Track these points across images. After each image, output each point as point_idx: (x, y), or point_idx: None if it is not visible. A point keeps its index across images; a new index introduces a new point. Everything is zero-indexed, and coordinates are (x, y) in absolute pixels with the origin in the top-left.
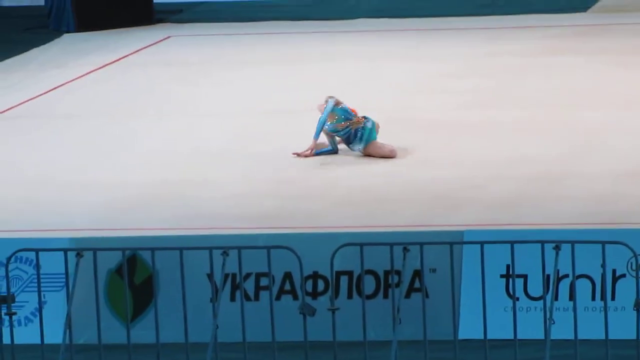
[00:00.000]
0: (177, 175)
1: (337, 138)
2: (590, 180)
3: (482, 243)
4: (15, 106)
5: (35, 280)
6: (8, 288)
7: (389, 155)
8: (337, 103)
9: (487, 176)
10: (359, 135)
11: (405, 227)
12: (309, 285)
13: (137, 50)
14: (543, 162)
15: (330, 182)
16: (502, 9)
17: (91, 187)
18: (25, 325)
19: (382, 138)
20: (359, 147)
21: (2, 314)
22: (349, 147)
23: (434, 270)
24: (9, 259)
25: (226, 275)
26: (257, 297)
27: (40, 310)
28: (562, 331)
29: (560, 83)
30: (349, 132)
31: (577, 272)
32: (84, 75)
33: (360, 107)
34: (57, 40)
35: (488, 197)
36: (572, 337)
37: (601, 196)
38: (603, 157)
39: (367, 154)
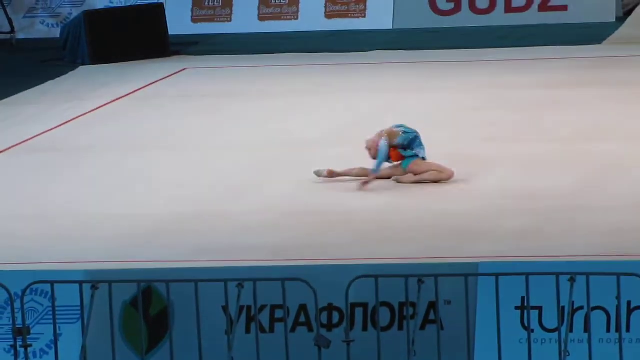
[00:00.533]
0: (192, 207)
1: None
2: (605, 213)
3: (497, 275)
4: (31, 139)
5: (51, 313)
6: (23, 320)
7: (446, 177)
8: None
9: (502, 208)
10: (422, 143)
11: (420, 259)
12: (324, 317)
13: (153, 83)
14: (558, 195)
15: (345, 214)
16: (519, 41)
17: (107, 220)
18: (41, 357)
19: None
20: (422, 153)
21: (18, 346)
22: (407, 150)
23: (448, 302)
24: (24, 291)
25: (241, 307)
26: (272, 329)
27: (55, 342)
28: None
29: (578, 115)
30: (413, 135)
31: (592, 304)
32: (99, 107)
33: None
34: (72, 73)
35: (503, 229)
36: None
37: (616, 228)
38: (618, 190)
39: (415, 171)
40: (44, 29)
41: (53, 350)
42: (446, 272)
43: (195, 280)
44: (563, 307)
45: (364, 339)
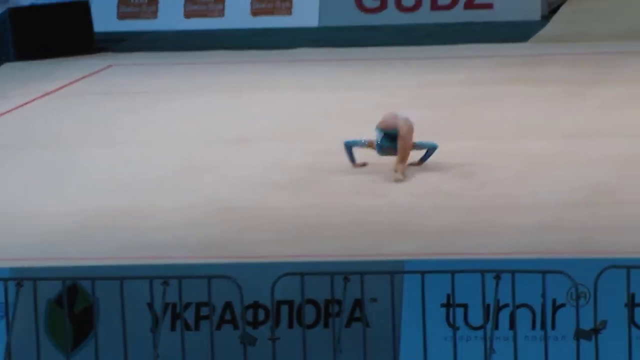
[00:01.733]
0: (118, 204)
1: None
2: (532, 210)
3: (422, 273)
4: None
5: None
6: None
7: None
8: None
9: (428, 206)
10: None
11: (346, 256)
12: (249, 315)
13: (79, 79)
14: (484, 192)
15: (271, 212)
16: (444, 39)
17: (32, 217)
18: None
19: (321, 169)
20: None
21: None
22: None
23: (374, 300)
24: None
25: (166, 305)
26: (197, 327)
27: None
28: None
29: (504, 113)
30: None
31: (518, 302)
32: (25, 104)
33: (305, 137)
34: None
35: (429, 227)
36: None
37: (542, 226)
38: (543, 188)
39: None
40: None
41: None
42: (372, 269)
43: (121, 277)
44: (488, 305)
45: (290, 337)
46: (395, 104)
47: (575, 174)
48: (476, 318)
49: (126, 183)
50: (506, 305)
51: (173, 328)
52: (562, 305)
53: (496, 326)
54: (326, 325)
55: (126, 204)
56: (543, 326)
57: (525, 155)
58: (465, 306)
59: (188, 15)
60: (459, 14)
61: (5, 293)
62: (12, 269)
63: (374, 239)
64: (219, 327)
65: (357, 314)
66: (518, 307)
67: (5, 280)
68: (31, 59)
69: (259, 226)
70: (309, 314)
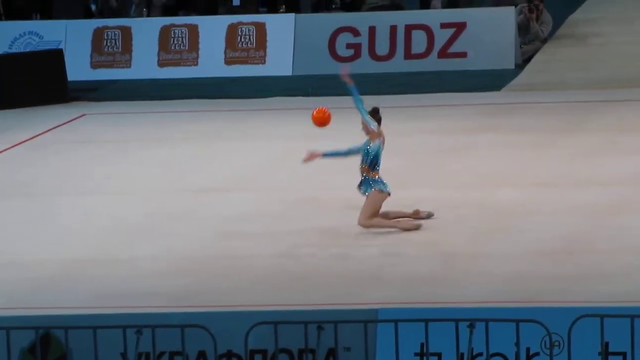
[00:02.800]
0: (91, 253)
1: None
2: (504, 259)
3: (396, 321)
4: None
5: None
6: None
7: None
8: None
9: (401, 254)
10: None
11: (320, 305)
12: None
13: (52, 129)
14: (458, 241)
15: (244, 261)
16: (418, 88)
17: (4, 266)
18: None
19: (294, 218)
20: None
21: None
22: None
23: (348, 349)
24: None
25: (140, 354)
26: None
27: None
28: None
29: (477, 162)
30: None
31: (492, 350)
32: None
33: (278, 186)
34: None
35: (403, 275)
36: None
37: (515, 275)
38: (517, 237)
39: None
40: None
41: None
42: (345, 318)
43: (94, 326)
44: (462, 354)
45: None
46: None
47: (549, 223)
48: None
49: (98, 232)
50: (480, 354)
51: None
52: (536, 354)
53: None
54: None
55: (99, 253)
56: None
57: (499, 204)
58: (439, 355)
59: (162, 64)
60: (432, 63)
61: None
62: None
63: (348, 288)
64: None
65: None
66: (492, 355)
67: None
68: (4, 107)
69: (232, 275)
70: None
